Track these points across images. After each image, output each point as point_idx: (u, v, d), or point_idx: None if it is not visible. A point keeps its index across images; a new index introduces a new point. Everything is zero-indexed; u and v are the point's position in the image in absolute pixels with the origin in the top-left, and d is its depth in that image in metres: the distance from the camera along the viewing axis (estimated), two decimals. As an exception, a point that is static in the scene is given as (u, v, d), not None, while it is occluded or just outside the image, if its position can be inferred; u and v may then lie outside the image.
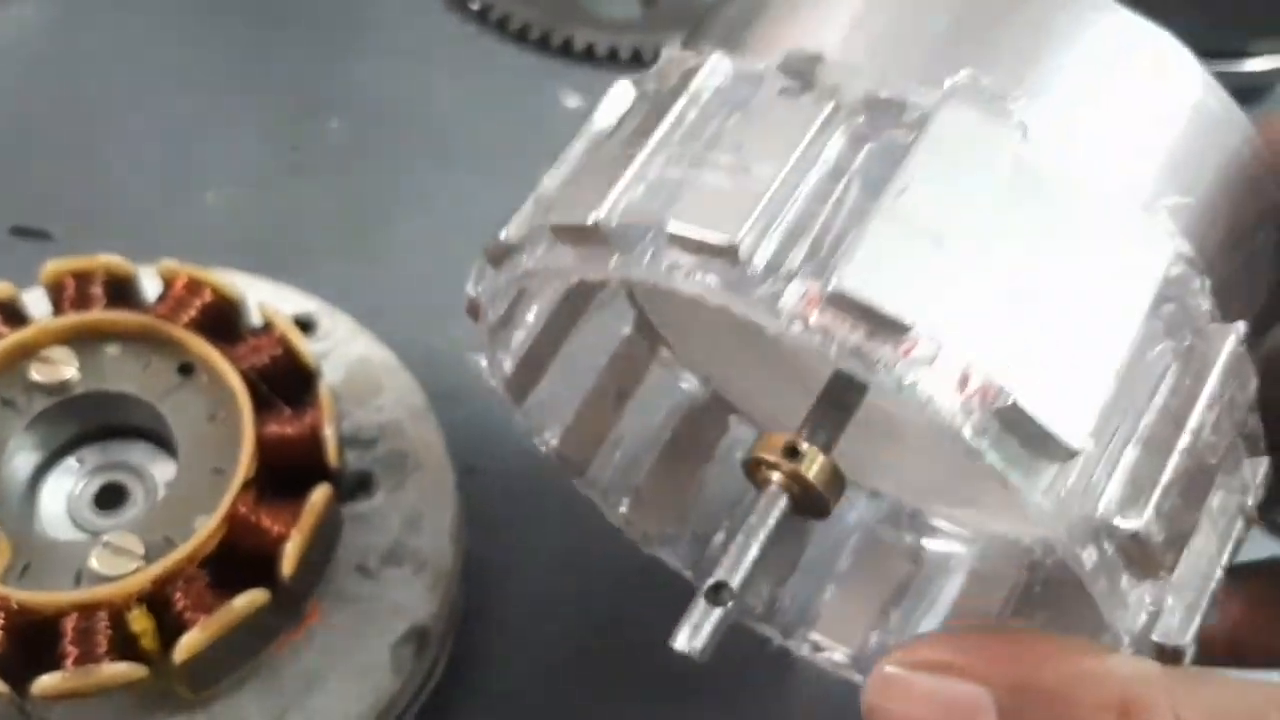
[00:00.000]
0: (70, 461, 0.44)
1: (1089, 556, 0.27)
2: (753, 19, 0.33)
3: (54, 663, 0.37)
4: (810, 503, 0.33)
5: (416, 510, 0.45)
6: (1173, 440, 0.28)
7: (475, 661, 0.46)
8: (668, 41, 0.36)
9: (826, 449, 0.33)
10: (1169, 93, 0.31)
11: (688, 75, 0.32)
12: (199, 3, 0.64)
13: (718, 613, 0.30)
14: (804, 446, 0.33)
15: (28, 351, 0.42)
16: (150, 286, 0.46)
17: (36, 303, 0.46)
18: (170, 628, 0.38)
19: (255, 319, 0.46)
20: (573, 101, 0.63)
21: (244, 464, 0.40)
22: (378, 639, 0.42)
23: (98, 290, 0.44)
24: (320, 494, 0.40)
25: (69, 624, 0.37)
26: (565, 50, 0.64)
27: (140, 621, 0.37)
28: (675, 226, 0.28)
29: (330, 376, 0.46)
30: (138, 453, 0.44)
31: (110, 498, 0.43)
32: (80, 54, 0.62)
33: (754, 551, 0.31)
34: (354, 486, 0.45)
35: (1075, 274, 0.27)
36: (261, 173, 0.59)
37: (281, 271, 0.51)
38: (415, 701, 0.43)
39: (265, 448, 0.41)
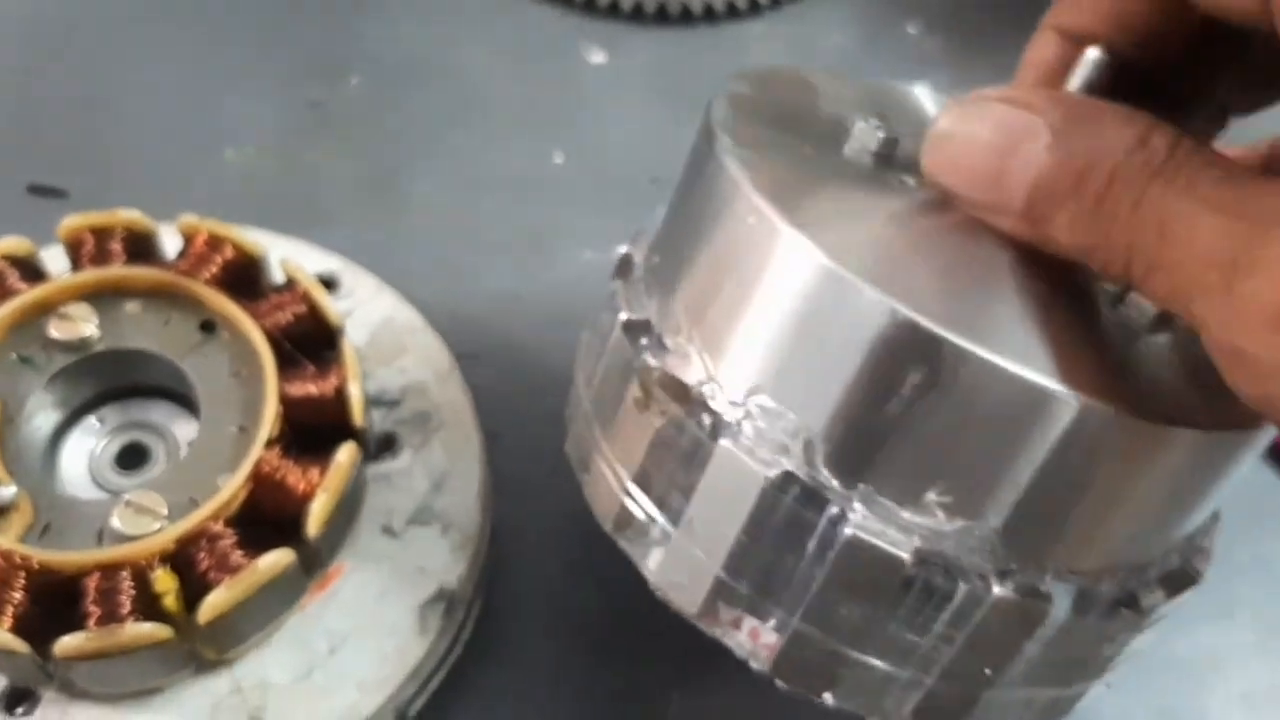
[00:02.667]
0: (91, 420, 0.43)
1: None
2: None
3: (76, 622, 0.37)
4: None
5: (443, 471, 0.44)
6: None
7: (501, 626, 0.45)
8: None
9: None
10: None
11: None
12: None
13: None
14: None
15: (46, 308, 0.41)
16: (170, 243, 0.45)
17: (54, 260, 0.45)
18: (194, 587, 0.37)
19: (277, 276, 0.45)
20: (597, 58, 0.62)
21: (268, 422, 0.39)
22: (404, 600, 0.42)
23: (117, 246, 0.43)
24: (346, 452, 0.39)
25: (91, 584, 0.37)
26: (589, 6, 0.63)
27: (163, 581, 0.37)
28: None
29: (353, 336, 0.45)
30: (159, 411, 0.43)
31: (132, 457, 0.42)
32: (97, 10, 0.61)
33: None
34: (379, 447, 0.44)
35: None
36: (281, 130, 0.58)
37: (302, 229, 0.50)
38: (442, 665, 0.42)
39: (290, 406, 0.40)
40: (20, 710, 0.39)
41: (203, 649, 0.38)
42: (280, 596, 0.39)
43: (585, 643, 0.46)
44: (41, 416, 0.41)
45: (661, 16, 0.61)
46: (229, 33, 0.61)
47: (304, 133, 0.58)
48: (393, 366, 0.46)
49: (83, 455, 0.42)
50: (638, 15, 0.62)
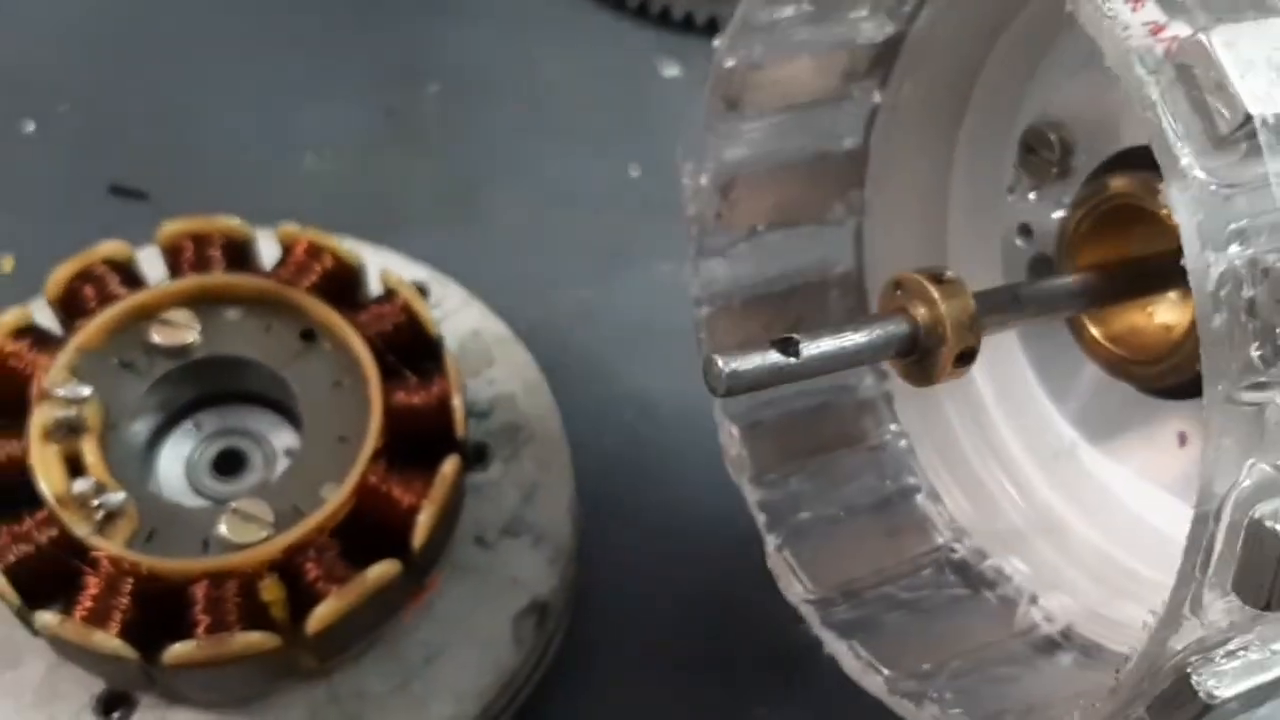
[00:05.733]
0: (188, 425, 0.43)
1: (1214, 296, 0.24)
2: None
3: (182, 629, 0.37)
4: (926, 349, 0.31)
5: (533, 483, 0.44)
6: None
7: (588, 636, 0.45)
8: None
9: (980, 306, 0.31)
10: None
11: None
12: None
13: (772, 355, 0.30)
14: (950, 275, 0.31)
15: (148, 313, 0.42)
16: (266, 250, 0.45)
17: (147, 263, 0.45)
18: (300, 597, 0.37)
19: (372, 285, 0.45)
20: (670, 71, 0.62)
21: (373, 434, 0.39)
22: (498, 611, 0.42)
23: (216, 253, 0.43)
24: (451, 465, 0.39)
25: (199, 591, 0.37)
26: (663, 19, 0.63)
27: (271, 590, 0.37)
28: None
29: (443, 346, 0.46)
30: (255, 418, 0.44)
31: (229, 463, 0.43)
32: (178, 13, 0.61)
33: (836, 345, 0.30)
34: (471, 458, 0.44)
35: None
36: (360, 136, 0.58)
37: (380, 236, 0.50)
38: (533, 675, 0.42)
39: (393, 417, 0.40)
40: (117, 715, 0.39)
41: (304, 658, 0.38)
42: (382, 607, 0.39)
43: (669, 655, 0.46)
44: (141, 421, 0.42)
45: (736, 30, 0.62)
46: (308, 38, 0.61)
47: (382, 139, 0.58)
48: (481, 377, 0.47)
49: (179, 460, 0.42)
50: (711, 29, 0.62)
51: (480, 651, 0.41)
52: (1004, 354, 0.41)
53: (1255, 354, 0.24)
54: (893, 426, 0.42)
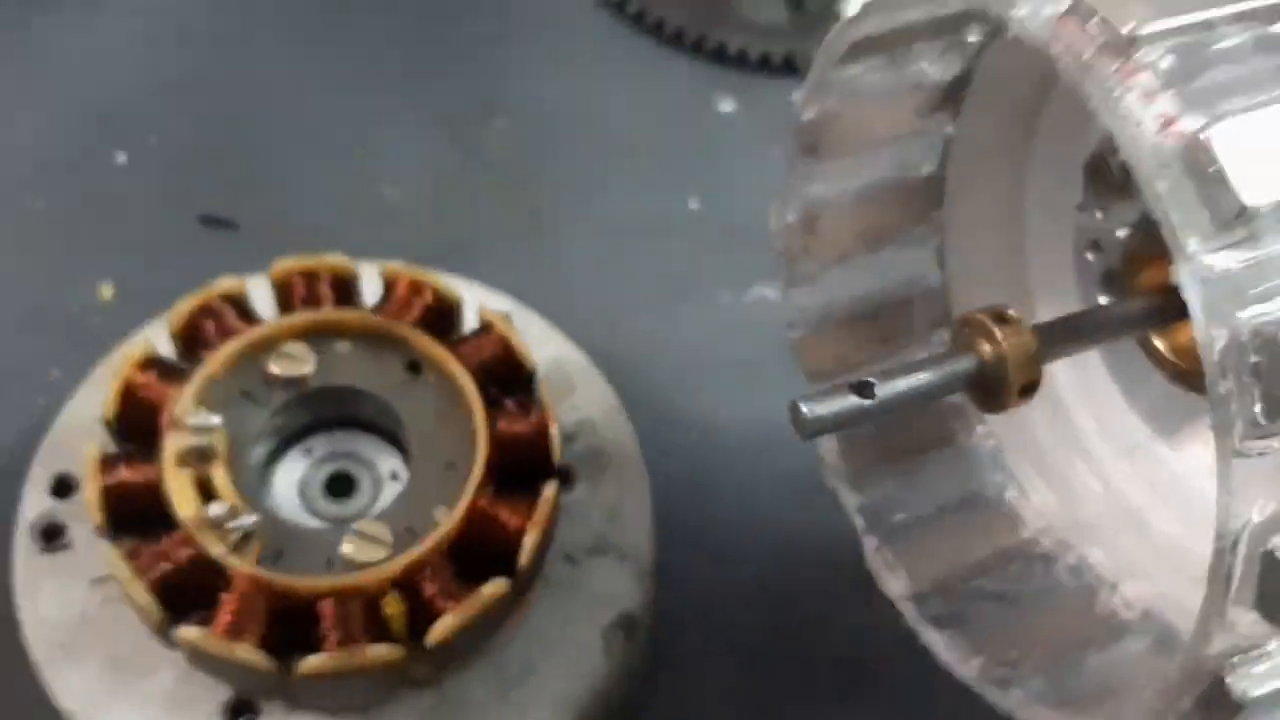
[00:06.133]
0: (299, 449, 0.46)
1: (1221, 365, 0.27)
2: None
3: (311, 641, 0.40)
4: (992, 383, 0.34)
5: (615, 504, 0.47)
6: None
7: (674, 651, 0.48)
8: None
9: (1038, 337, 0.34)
10: None
11: None
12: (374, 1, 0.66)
13: (850, 398, 0.33)
14: (1012, 314, 0.35)
15: (266, 346, 0.45)
16: (368, 284, 0.48)
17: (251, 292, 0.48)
18: (418, 612, 0.41)
19: (468, 317, 0.48)
20: (726, 106, 0.65)
21: (481, 461, 0.42)
22: (589, 625, 0.45)
23: (325, 288, 0.46)
24: (551, 490, 0.42)
25: (327, 606, 0.40)
26: (719, 55, 0.66)
27: (393, 606, 0.40)
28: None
29: (528, 375, 0.49)
30: (362, 443, 0.47)
31: (339, 486, 0.46)
32: (260, 49, 0.64)
33: (909, 384, 0.34)
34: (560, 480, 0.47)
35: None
36: (435, 170, 0.61)
37: (457, 266, 0.53)
38: (624, 687, 0.45)
39: (498, 445, 0.43)
40: (242, 720, 0.42)
41: (418, 668, 0.41)
42: (490, 621, 0.42)
43: (753, 664, 0.49)
44: (259, 446, 0.45)
45: (788, 67, 0.65)
46: (383, 75, 0.64)
47: (455, 173, 0.61)
48: (564, 404, 0.50)
49: (293, 482, 0.45)
50: (765, 65, 0.65)
51: (574, 662, 0.44)
52: (1083, 356, 0.44)
53: (1259, 411, 0.28)
54: (980, 428, 0.46)
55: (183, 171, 0.60)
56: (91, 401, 0.48)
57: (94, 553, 0.44)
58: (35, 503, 0.46)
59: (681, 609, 0.49)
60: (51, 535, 0.45)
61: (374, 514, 0.44)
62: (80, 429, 0.47)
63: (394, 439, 0.46)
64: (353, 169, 0.61)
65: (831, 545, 0.50)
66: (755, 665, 0.49)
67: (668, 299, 0.58)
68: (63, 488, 0.46)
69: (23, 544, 0.45)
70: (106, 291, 0.55)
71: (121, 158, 0.60)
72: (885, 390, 0.34)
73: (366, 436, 0.47)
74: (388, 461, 0.46)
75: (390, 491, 0.46)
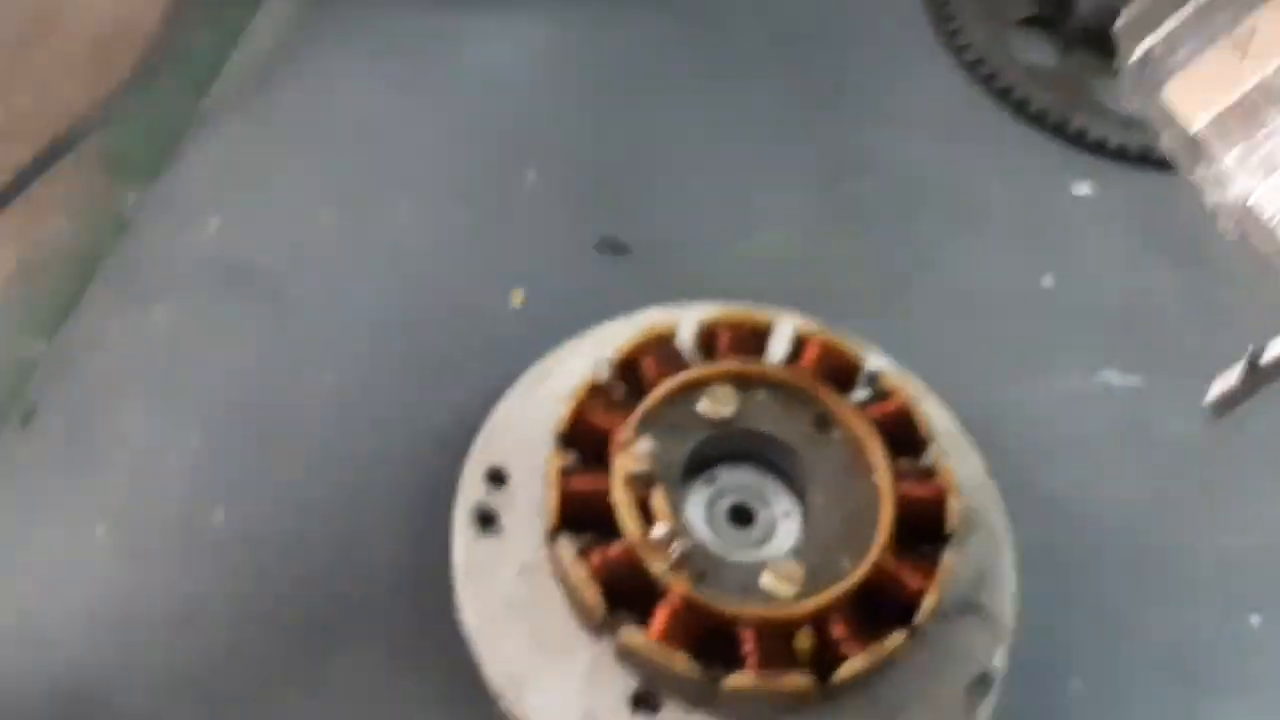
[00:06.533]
0: (703, 478, 0.51)
1: None
2: None
3: (727, 658, 0.45)
4: None
5: (981, 568, 0.52)
6: None
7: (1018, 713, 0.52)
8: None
9: None
10: None
11: None
12: (755, 54, 0.71)
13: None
14: None
15: (695, 386, 0.50)
16: (777, 335, 0.53)
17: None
18: (822, 648, 0.46)
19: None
20: (1082, 189, 0.68)
21: (887, 520, 0.47)
22: (954, 679, 0.49)
23: (746, 337, 0.52)
24: (951, 558, 0.47)
25: (748, 631, 0.45)
26: (1079, 139, 0.69)
27: (806, 641, 0.45)
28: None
29: (904, 434, 0.53)
30: (758, 479, 0.52)
31: (738, 515, 0.51)
32: (654, 94, 0.70)
33: None
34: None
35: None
36: (805, 222, 0.66)
37: (825, 319, 0.57)
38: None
39: (902, 506, 0.48)
40: (643, 711, 0.48)
41: (812, 697, 0.47)
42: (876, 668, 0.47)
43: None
44: (678, 475, 0.50)
45: (1144, 159, 0.67)
46: (763, 129, 0.69)
47: (825, 227, 0.66)
48: (937, 465, 0.54)
49: (700, 508, 0.51)
50: (1122, 154, 0.68)
51: (939, 712, 0.49)
52: None
53: None
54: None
55: (583, 194, 0.66)
56: (519, 404, 0.55)
57: (522, 541, 0.51)
58: (471, 490, 0.52)
59: (1034, 671, 0.53)
60: (486, 521, 0.51)
61: (770, 547, 0.50)
62: (510, 429, 0.54)
63: (787, 480, 0.51)
64: (731, 213, 0.66)
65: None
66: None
67: (1019, 372, 0.61)
68: (497, 479, 0.52)
69: (462, 527, 0.51)
70: (518, 298, 0.62)
71: (532, 175, 0.66)
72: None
73: (760, 473, 0.52)
74: (781, 501, 0.51)
75: (784, 529, 0.51)
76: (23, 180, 0.62)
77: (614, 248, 0.64)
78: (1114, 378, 0.61)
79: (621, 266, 0.64)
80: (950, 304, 0.63)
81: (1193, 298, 0.65)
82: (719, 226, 0.65)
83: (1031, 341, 0.63)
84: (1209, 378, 0.55)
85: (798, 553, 0.48)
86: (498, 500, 0.52)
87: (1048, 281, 0.65)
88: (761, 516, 0.51)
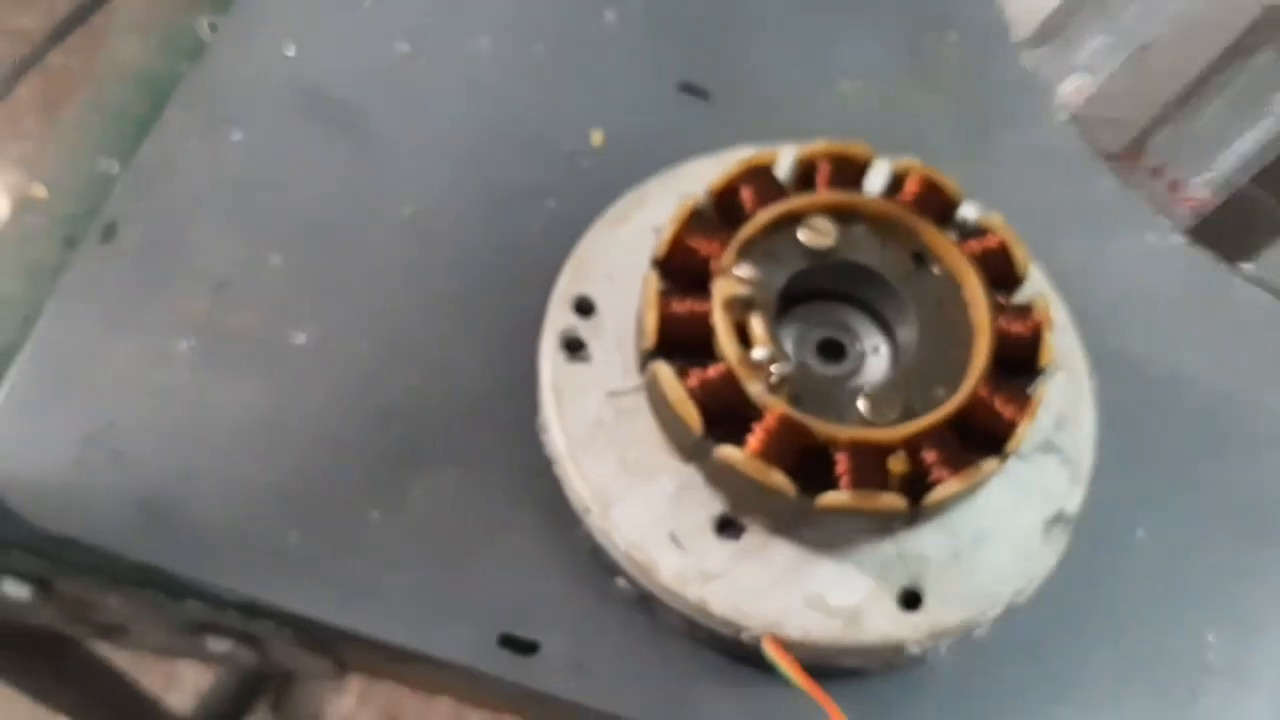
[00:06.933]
0: (796, 311, 0.51)
1: None
2: None
3: (821, 481, 0.46)
4: None
5: (1061, 411, 0.52)
6: None
7: (1087, 557, 0.53)
8: None
9: None
10: None
11: None
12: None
13: None
14: None
15: (795, 216, 0.50)
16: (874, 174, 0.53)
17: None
18: (915, 474, 0.46)
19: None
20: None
21: (984, 352, 0.47)
22: (1030, 514, 0.50)
23: (846, 171, 0.51)
24: (1044, 389, 0.47)
25: (843, 453, 0.46)
26: None
27: (900, 465, 0.46)
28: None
29: (991, 280, 0.53)
30: (849, 315, 0.52)
31: (829, 349, 0.51)
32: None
33: None
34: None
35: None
36: (887, 72, 0.65)
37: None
38: (1042, 582, 0.50)
39: (999, 340, 0.48)
40: (727, 535, 0.49)
41: (897, 522, 0.47)
42: (966, 495, 0.47)
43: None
44: (774, 304, 0.50)
45: None
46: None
47: (906, 80, 0.65)
48: (1020, 310, 0.54)
49: (789, 343, 0.51)
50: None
51: (1017, 544, 0.49)
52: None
53: None
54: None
55: (662, 36, 0.65)
56: (605, 237, 0.54)
57: (610, 369, 0.51)
58: (559, 318, 0.52)
59: (1102, 517, 0.54)
60: (574, 348, 0.52)
61: (861, 380, 0.50)
62: (597, 260, 0.54)
63: (879, 317, 0.51)
64: (813, 60, 0.65)
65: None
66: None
67: (1101, 229, 0.61)
68: (584, 308, 0.52)
69: (550, 351, 0.51)
70: (597, 137, 0.61)
71: (610, 15, 0.65)
72: None
73: (852, 309, 0.52)
74: (871, 337, 0.51)
75: (872, 364, 0.51)
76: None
77: (694, 92, 0.63)
78: (1180, 238, 0.61)
79: (702, 110, 0.63)
80: (1032, 159, 0.63)
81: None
82: (801, 74, 0.65)
83: (1110, 200, 0.62)
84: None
85: (891, 383, 0.48)
86: (585, 329, 0.52)
87: (1128, 142, 0.64)
88: (851, 351, 0.51)
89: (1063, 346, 0.53)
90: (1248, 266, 0.35)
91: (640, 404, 0.50)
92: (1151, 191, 0.34)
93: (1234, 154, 0.33)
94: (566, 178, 0.60)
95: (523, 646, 0.50)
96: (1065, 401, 0.52)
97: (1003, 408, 0.47)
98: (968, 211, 0.53)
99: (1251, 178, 0.33)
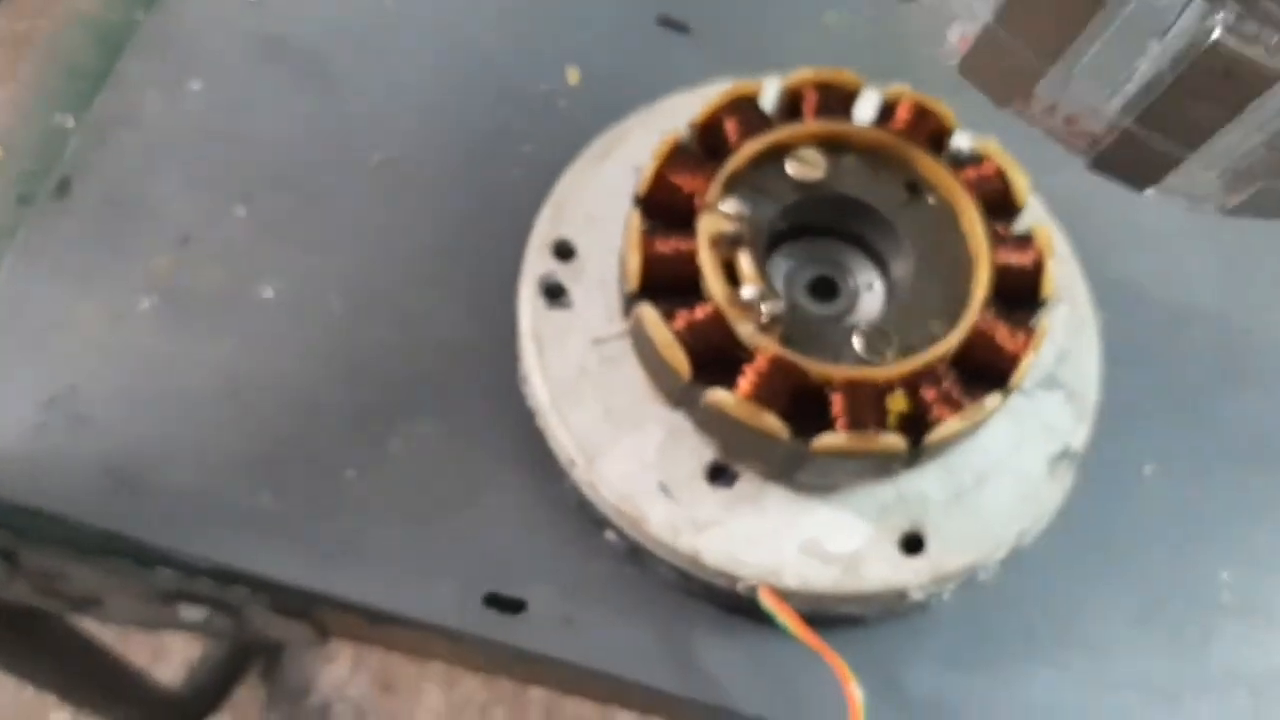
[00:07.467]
0: (787, 249, 0.49)
1: None
2: None
3: (818, 423, 0.44)
4: None
5: (1064, 347, 0.50)
6: None
7: (1097, 492, 0.51)
8: None
9: None
10: None
11: None
12: None
13: None
14: None
15: (783, 148, 0.47)
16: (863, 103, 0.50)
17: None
18: (913, 412, 0.44)
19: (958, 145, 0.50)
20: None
21: (984, 283, 0.45)
22: (1035, 452, 0.48)
23: (834, 101, 0.49)
24: (1046, 319, 0.45)
25: (838, 393, 0.44)
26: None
27: (900, 403, 0.43)
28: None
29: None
30: (842, 252, 0.50)
31: (821, 287, 0.49)
32: None
33: None
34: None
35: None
36: (874, 4, 0.62)
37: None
38: (1048, 522, 0.48)
39: (999, 272, 0.46)
40: (720, 483, 0.47)
41: (896, 463, 0.45)
42: (968, 433, 0.45)
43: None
44: (763, 240, 0.48)
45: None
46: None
47: (891, 5, 0.62)
48: (1018, 243, 0.52)
49: (780, 282, 0.49)
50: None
51: (1021, 482, 0.47)
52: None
53: None
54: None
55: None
56: (584, 177, 0.52)
57: (593, 314, 0.49)
58: (538, 263, 0.50)
59: (1112, 450, 0.52)
60: (554, 294, 0.49)
61: (856, 317, 0.48)
62: (576, 202, 0.51)
63: (872, 252, 0.49)
64: (798, -10, 0.62)
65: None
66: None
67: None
68: (564, 252, 0.50)
69: (529, 298, 0.49)
70: (573, 76, 0.58)
71: (584, -53, 0.62)
72: None
73: (844, 245, 0.50)
74: (864, 273, 0.49)
75: (867, 301, 0.49)
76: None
77: (673, 26, 0.61)
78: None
79: (682, 44, 0.60)
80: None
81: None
82: (784, 4, 0.62)
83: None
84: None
85: (887, 319, 0.46)
86: (565, 273, 0.50)
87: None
88: (844, 288, 0.49)
89: (1065, 278, 0.51)
90: (1149, 192, 0.34)
91: (625, 350, 0.48)
92: (1050, 127, 0.33)
93: (1120, 95, 0.32)
94: (543, 120, 0.57)
95: (509, 605, 0.48)
96: (1068, 335, 0.50)
97: (1004, 341, 0.45)
98: (961, 141, 0.50)
99: (1136, 118, 0.32)
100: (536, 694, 1.29)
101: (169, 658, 1.25)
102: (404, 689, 1.32)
